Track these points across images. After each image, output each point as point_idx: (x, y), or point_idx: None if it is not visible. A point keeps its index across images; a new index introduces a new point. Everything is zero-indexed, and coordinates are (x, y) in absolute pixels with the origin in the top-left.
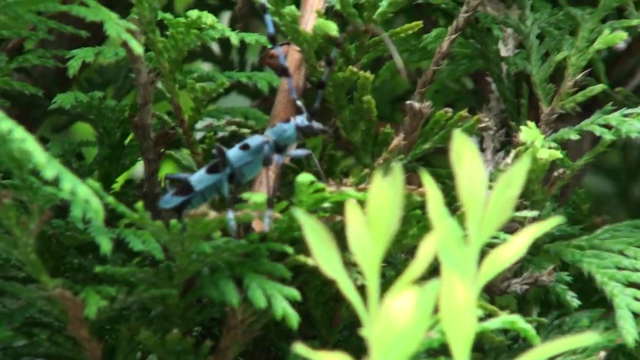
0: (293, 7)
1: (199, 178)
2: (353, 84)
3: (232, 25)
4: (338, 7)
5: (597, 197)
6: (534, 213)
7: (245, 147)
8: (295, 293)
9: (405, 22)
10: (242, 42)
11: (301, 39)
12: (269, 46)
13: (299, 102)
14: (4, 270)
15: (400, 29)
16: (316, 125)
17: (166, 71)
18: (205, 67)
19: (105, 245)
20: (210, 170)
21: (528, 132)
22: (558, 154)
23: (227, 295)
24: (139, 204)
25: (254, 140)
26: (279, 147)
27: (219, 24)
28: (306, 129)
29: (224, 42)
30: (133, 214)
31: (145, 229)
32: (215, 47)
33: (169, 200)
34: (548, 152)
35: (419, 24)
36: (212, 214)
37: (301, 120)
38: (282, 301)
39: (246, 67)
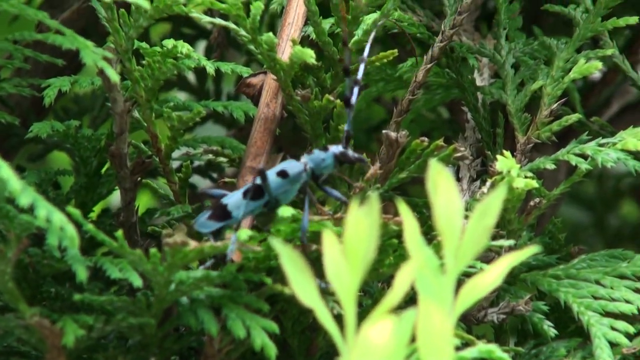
0: (271, 35)
1: (236, 203)
2: (329, 113)
3: (208, 55)
4: (313, 36)
5: (573, 226)
6: (510, 242)
7: (283, 175)
8: (273, 326)
9: (381, 51)
10: (218, 71)
11: (278, 68)
12: (245, 75)
13: (346, 127)
14: None
15: (375, 57)
16: (352, 154)
17: (142, 100)
18: (181, 96)
19: (81, 272)
20: (246, 195)
21: (504, 162)
22: (534, 184)
23: (205, 324)
24: (119, 232)
25: (292, 168)
26: (316, 176)
27: (194, 53)
28: (343, 158)
29: (200, 72)
30: (112, 242)
31: (124, 258)
32: (190, 77)
33: (205, 224)
34: (524, 182)
35: (394, 52)
36: (192, 244)
37: (338, 149)
38: (260, 332)
39: (222, 96)
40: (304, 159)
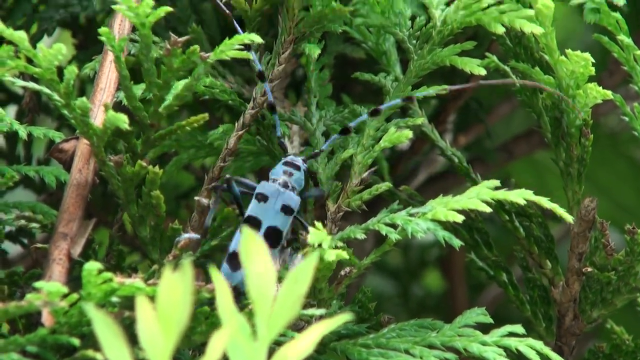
0: (84, 100)
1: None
2: (141, 179)
3: (19, 119)
4: (125, 101)
5: (377, 296)
6: (322, 311)
7: (288, 212)
8: None
9: (190, 116)
10: (29, 135)
11: (91, 133)
12: (57, 140)
13: (278, 134)
14: None
15: (186, 122)
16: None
17: None
18: None
19: None
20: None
21: (316, 234)
22: (345, 255)
23: None
24: None
25: (293, 202)
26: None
27: (7, 117)
28: (308, 173)
29: (10, 136)
30: None
31: None
32: (0, 141)
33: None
34: (335, 253)
35: (204, 116)
36: None
37: (302, 164)
38: None
39: (32, 161)
40: (285, 179)
